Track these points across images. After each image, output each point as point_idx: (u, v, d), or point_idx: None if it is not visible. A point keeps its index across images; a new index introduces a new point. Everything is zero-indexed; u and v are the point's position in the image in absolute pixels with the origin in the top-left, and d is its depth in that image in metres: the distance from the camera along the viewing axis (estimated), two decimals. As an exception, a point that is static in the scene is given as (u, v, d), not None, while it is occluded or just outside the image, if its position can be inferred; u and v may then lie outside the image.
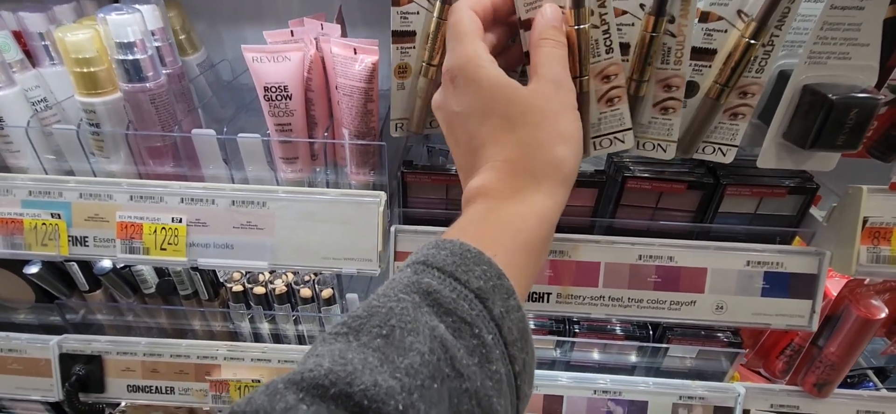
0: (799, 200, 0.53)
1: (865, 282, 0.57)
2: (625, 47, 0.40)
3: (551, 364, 0.73)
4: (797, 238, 0.56)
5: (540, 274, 0.54)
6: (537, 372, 0.70)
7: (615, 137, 0.41)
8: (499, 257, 0.26)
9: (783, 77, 0.47)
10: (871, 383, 0.77)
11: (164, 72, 0.53)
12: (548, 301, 0.55)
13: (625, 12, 0.40)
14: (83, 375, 0.66)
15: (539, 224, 0.29)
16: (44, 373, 0.68)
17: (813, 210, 0.55)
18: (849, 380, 0.79)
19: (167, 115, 0.53)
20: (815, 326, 0.53)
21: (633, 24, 0.40)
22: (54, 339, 0.67)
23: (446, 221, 0.57)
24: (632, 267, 0.54)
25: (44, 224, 0.54)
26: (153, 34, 0.53)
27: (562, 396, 0.69)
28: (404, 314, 0.23)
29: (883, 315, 0.56)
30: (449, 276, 0.24)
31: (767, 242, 0.54)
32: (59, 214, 0.54)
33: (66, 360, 0.67)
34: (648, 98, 0.43)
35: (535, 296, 0.55)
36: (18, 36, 0.57)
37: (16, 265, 0.64)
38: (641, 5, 0.40)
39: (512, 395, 0.25)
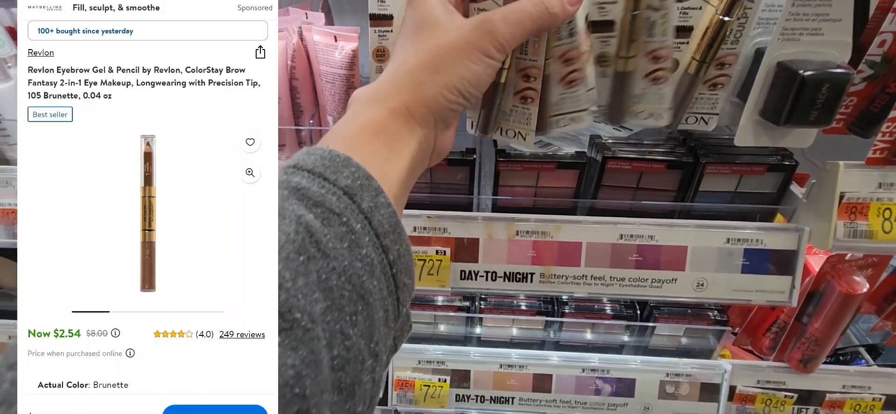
0: (779, 178, 0.54)
1: (847, 257, 0.57)
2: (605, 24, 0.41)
3: (541, 344, 0.74)
4: (779, 215, 0.57)
5: (522, 255, 0.56)
6: (527, 351, 0.72)
7: (572, 118, 0.43)
8: (361, 149, 0.28)
9: (760, 55, 0.47)
10: (863, 361, 0.78)
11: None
12: (531, 281, 0.56)
13: None
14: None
15: (395, 122, 0.31)
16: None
17: (794, 187, 0.55)
18: (841, 357, 0.79)
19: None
20: (794, 302, 0.54)
21: (616, 2, 0.41)
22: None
23: (431, 205, 0.58)
24: (613, 246, 0.54)
25: (43, 214, 0.56)
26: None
27: (551, 375, 0.70)
28: None
29: (864, 290, 0.56)
30: (318, 175, 0.26)
31: (749, 219, 0.55)
32: (57, 204, 0.56)
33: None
34: (639, 71, 0.44)
35: (518, 276, 0.56)
36: (13, 32, 0.58)
37: (20, 255, 0.66)
38: None
39: (388, 281, 0.27)
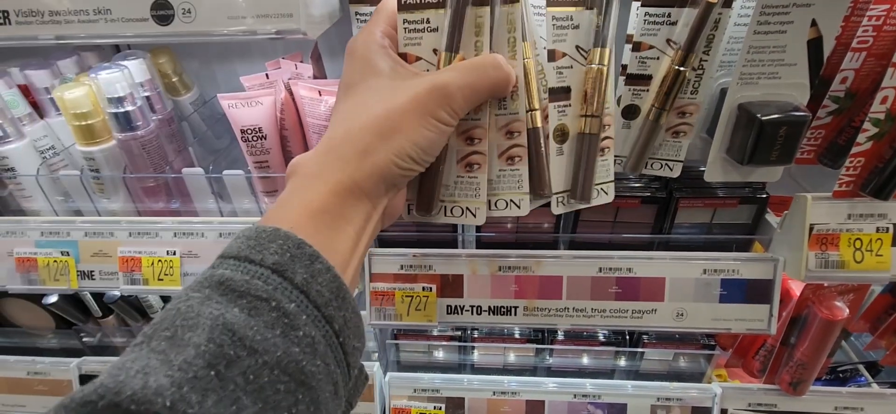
0: (752, 209, 0.55)
1: (826, 283, 0.58)
2: (564, 91, 0.41)
3: (533, 370, 0.76)
4: (758, 244, 0.58)
5: (506, 289, 0.58)
6: (519, 378, 0.73)
7: (512, 201, 0.38)
8: (300, 231, 0.26)
9: (725, 94, 0.49)
10: (862, 378, 0.78)
11: (154, 118, 0.59)
12: (515, 314, 0.58)
13: (564, 55, 0.42)
14: (99, 393, 0.72)
15: (339, 200, 0.29)
16: (66, 393, 0.74)
17: (769, 216, 0.56)
18: (841, 374, 0.79)
19: (158, 157, 0.59)
20: (773, 330, 0.55)
21: (571, 67, 0.41)
22: (74, 361, 0.73)
23: (418, 242, 0.60)
24: (593, 279, 0.56)
25: (55, 261, 0.60)
26: (142, 86, 0.58)
27: (543, 401, 0.72)
28: (188, 312, 0.23)
29: (844, 316, 0.57)
30: (244, 260, 0.24)
31: (726, 249, 0.56)
32: (68, 252, 0.60)
33: (86, 380, 0.73)
34: (663, 125, 0.46)
35: (502, 310, 0.58)
36: (26, 90, 0.63)
37: (35, 297, 0.71)
38: (578, 47, 0.41)
39: (335, 352, 0.25)
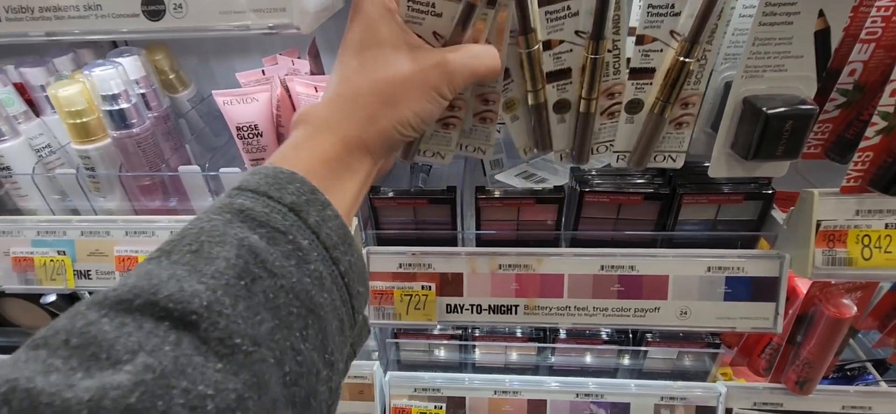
0: (757, 205, 0.54)
1: (833, 281, 0.57)
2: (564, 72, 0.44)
3: (534, 369, 0.75)
4: (763, 241, 0.57)
5: (506, 287, 0.57)
6: (521, 377, 0.72)
7: (478, 148, 0.46)
8: (311, 177, 0.28)
9: (729, 88, 0.48)
10: (870, 376, 0.76)
11: (150, 115, 0.58)
12: (516, 313, 0.57)
13: (561, 42, 0.42)
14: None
15: (347, 153, 0.31)
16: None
17: (775, 212, 0.55)
18: (848, 373, 0.78)
19: (154, 155, 0.58)
20: (779, 328, 0.54)
21: (571, 51, 0.42)
22: (72, 361, 0.73)
23: (417, 241, 0.60)
24: (595, 277, 0.55)
25: (52, 261, 0.59)
26: (137, 83, 0.58)
27: (545, 400, 0.71)
28: (214, 230, 0.24)
29: (852, 314, 0.56)
30: (263, 195, 0.26)
31: (731, 246, 0.55)
32: (64, 251, 0.59)
33: (84, 380, 0.73)
34: (668, 119, 0.46)
35: (503, 308, 0.58)
36: (21, 88, 0.62)
37: (34, 297, 0.70)
38: (577, 32, 0.42)
39: (341, 292, 0.27)
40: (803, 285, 0.58)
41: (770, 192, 0.52)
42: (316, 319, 0.25)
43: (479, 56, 0.35)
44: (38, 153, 0.62)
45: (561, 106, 0.45)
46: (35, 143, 0.61)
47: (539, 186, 0.60)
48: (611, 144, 0.48)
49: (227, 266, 0.23)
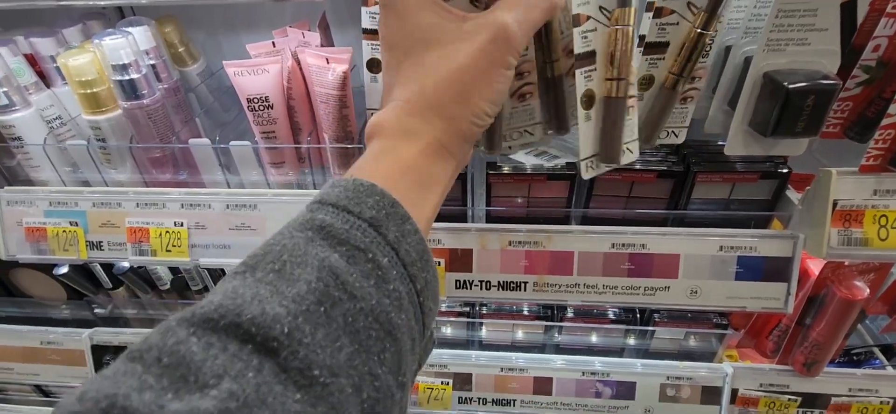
0: (773, 185, 0.53)
1: (847, 262, 0.56)
2: (589, 55, 0.39)
3: (541, 347, 0.75)
4: (777, 222, 0.56)
5: (516, 264, 0.57)
6: (528, 354, 0.73)
7: (525, 130, 0.42)
8: (392, 190, 0.27)
9: (749, 64, 0.47)
10: (877, 361, 0.76)
11: (159, 87, 0.58)
12: (525, 290, 0.57)
13: (588, 18, 0.40)
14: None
15: (428, 161, 0.30)
16: (79, 362, 0.75)
17: (790, 192, 0.55)
18: (855, 357, 0.78)
19: (165, 127, 0.58)
20: (790, 309, 0.54)
21: (595, 30, 0.39)
22: (86, 332, 0.74)
23: (426, 216, 0.59)
24: (605, 255, 0.55)
25: (64, 231, 0.60)
26: (147, 53, 0.57)
27: (551, 378, 0.72)
28: (296, 249, 0.24)
29: (864, 296, 0.55)
30: (342, 210, 0.26)
31: (744, 226, 0.54)
32: (76, 222, 0.60)
33: (98, 350, 0.74)
34: (679, 93, 0.45)
35: (512, 285, 0.58)
36: (32, 59, 0.62)
37: (47, 268, 0.71)
38: (601, 8, 0.40)
39: (415, 309, 0.27)
40: (816, 267, 0.58)
41: (786, 171, 0.52)
42: (393, 342, 0.25)
43: (533, 1, 0.31)
44: (49, 124, 0.62)
45: (587, 100, 0.41)
46: (46, 114, 0.61)
47: (550, 163, 0.59)
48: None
49: (308, 290, 0.23)
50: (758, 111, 0.45)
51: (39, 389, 0.83)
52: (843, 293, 0.56)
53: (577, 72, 0.39)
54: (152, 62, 0.58)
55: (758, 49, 0.43)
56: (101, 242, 0.60)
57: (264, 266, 0.24)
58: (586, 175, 0.43)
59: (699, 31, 0.41)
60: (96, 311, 0.76)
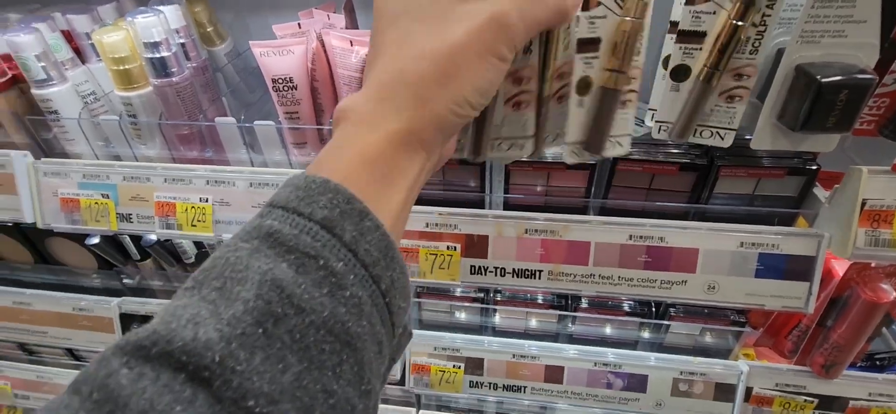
0: (800, 181, 0.52)
1: (873, 264, 0.55)
2: (593, 42, 0.38)
3: (554, 336, 0.76)
4: (801, 219, 0.55)
5: (531, 252, 0.57)
6: (540, 342, 0.73)
7: (514, 142, 0.37)
8: (351, 183, 0.25)
9: (781, 56, 0.46)
10: (901, 367, 0.74)
11: (188, 66, 0.59)
12: (539, 278, 0.58)
13: (599, 3, 0.40)
14: (138, 331, 0.76)
15: (395, 150, 0.27)
16: (108, 329, 0.79)
17: (817, 190, 0.53)
18: (878, 362, 0.76)
19: (193, 105, 0.59)
20: (811, 309, 0.53)
21: (605, 17, 0.38)
22: (115, 301, 0.77)
23: (443, 201, 0.60)
24: (622, 247, 0.55)
25: (96, 203, 0.62)
26: (177, 32, 0.59)
27: (563, 367, 0.72)
28: (237, 264, 0.23)
29: (890, 299, 0.54)
30: (292, 212, 0.24)
31: (767, 222, 0.53)
32: (108, 195, 0.62)
33: (126, 318, 0.78)
34: (715, 87, 0.43)
35: (527, 273, 0.58)
36: (68, 36, 0.64)
37: (79, 238, 0.74)
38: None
39: (381, 312, 0.25)
40: (840, 267, 0.57)
41: (815, 167, 0.50)
42: (351, 352, 0.23)
43: None
44: (83, 99, 0.64)
45: (583, 86, 0.39)
46: (81, 89, 0.64)
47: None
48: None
49: (245, 310, 0.21)
50: (788, 105, 0.44)
51: (71, 352, 0.88)
52: (867, 295, 0.55)
53: (577, 57, 0.37)
54: (182, 41, 0.59)
55: (791, 40, 0.42)
56: (130, 214, 0.63)
57: (209, 282, 0.22)
58: (570, 160, 0.41)
59: (734, 22, 0.40)
60: (125, 281, 0.79)
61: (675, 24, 0.49)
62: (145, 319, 0.77)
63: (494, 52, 0.27)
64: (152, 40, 0.54)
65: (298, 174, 0.25)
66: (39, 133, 0.65)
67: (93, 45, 0.64)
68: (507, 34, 0.27)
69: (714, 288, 0.55)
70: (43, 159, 0.64)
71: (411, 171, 0.28)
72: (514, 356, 0.72)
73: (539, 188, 0.57)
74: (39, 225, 0.64)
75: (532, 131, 0.37)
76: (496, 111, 0.35)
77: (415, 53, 0.27)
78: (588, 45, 0.38)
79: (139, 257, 0.77)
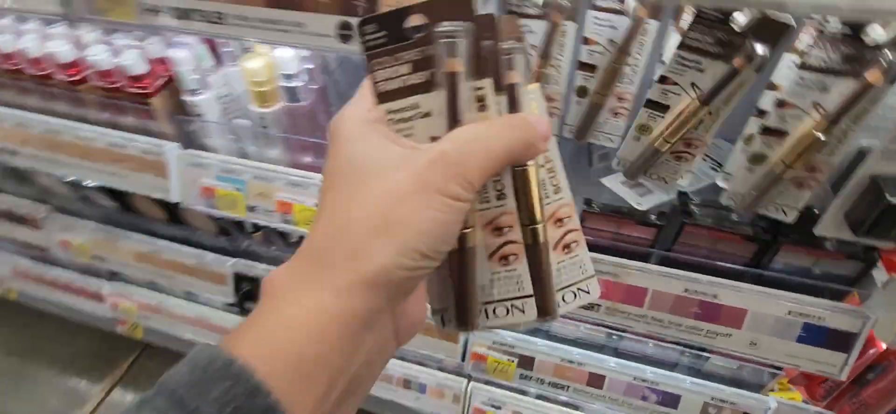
0: (857, 266, 0.56)
1: (915, 346, 0.59)
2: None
3: (600, 348, 0.85)
4: (855, 293, 0.59)
5: (594, 288, 0.65)
6: (586, 352, 0.83)
7: (513, 305, 0.30)
8: (263, 368, 0.21)
9: (861, 156, 0.50)
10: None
11: (312, 87, 0.69)
12: (597, 310, 0.66)
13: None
14: (249, 290, 0.92)
15: (321, 331, 0.22)
16: (221, 283, 0.95)
17: (877, 271, 0.57)
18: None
19: (313, 124, 0.70)
20: (844, 377, 0.58)
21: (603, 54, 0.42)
22: (231, 261, 0.93)
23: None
24: (677, 297, 0.62)
25: (230, 195, 0.75)
26: (306, 59, 0.68)
27: (604, 376, 0.81)
28: None
29: (926, 379, 0.58)
30: (176, 404, 0.20)
31: (818, 292, 0.58)
32: (238, 189, 0.75)
33: (238, 278, 0.93)
34: (787, 179, 0.48)
35: (588, 305, 0.66)
36: (212, 44, 0.75)
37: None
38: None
39: None
40: (884, 340, 0.61)
41: (874, 255, 0.54)
42: None
43: (495, 129, 0.25)
44: (220, 100, 0.75)
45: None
46: (219, 94, 0.75)
47: (641, 200, 0.65)
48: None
49: None
50: (855, 208, 0.48)
51: (190, 294, 1.06)
52: (904, 372, 0.59)
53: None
54: (310, 66, 0.69)
55: (874, 151, 0.45)
56: (255, 206, 0.75)
57: None
58: (528, 316, 0.30)
59: (817, 134, 0.44)
60: (239, 246, 0.94)
61: (762, 112, 0.53)
62: (254, 279, 0.92)
63: (443, 190, 0.23)
64: (287, 72, 0.63)
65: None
66: (183, 127, 0.77)
67: (229, 51, 0.74)
68: (457, 170, 0.23)
69: (755, 345, 0.61)
70: (189, 151, 0.77)
71: (345, 348, 0.23)
72: (561, 360, 0.82)
73: (608, 233, 0.64)
74: (183, 205, 0.79)
75: (529, 290, 0.30)
76: (480, 271, 0.29)
77: (352, 207, 0.23)
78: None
79: (252, 230, 0.91)
